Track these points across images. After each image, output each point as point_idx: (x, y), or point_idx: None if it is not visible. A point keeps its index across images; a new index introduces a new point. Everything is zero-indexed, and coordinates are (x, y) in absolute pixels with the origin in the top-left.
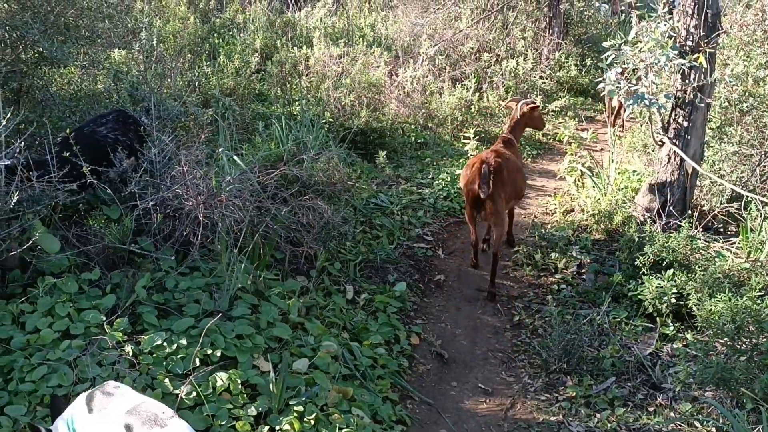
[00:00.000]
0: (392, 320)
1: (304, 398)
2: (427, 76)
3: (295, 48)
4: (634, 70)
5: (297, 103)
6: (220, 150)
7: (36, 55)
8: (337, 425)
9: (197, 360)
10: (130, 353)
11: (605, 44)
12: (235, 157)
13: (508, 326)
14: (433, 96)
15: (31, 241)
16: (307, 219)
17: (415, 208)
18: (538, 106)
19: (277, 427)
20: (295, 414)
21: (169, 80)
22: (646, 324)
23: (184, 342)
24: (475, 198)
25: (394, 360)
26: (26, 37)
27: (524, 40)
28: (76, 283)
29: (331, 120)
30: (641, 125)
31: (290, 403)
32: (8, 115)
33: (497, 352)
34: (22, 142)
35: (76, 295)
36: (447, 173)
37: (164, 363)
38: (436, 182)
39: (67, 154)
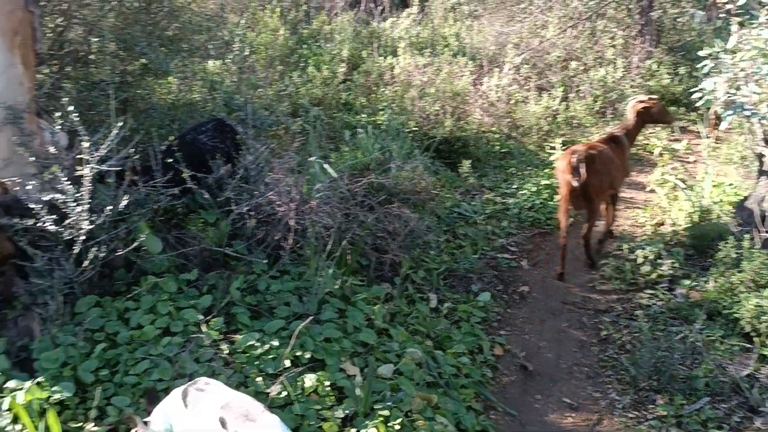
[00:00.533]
0: (476, 330)
1: (389, 403)
2: (512, 85)
3: (381, 58)
4: (733, 79)
5: (382, 112)
6: (311, 158)
7: (141, 66)
8: None
9: (287, 361)
10: (225, 351)
11: (702, 53)
12: (326, 166)
13: (594, 341)
14: (518, 105)
15: (136, 243)
16: (393, 227)
17: (499, 218)
18: (655, 103)
19: (362, 431)
20: (380, 418)
21: (261, 90)
22: (743, 344)
23: (275, 343)
24: (569, 188)
25: (477, 370)
26: (134, 50)
27: (613, 48)
28: (175, 283)
29: (415, 129)
30: (740, 136)
31: (376, 407)
32: (120, 124)
33: (583, 366)
34: (132, 149)
35: (175, 295)
36: (532, 183)
37: (256, 362)
38: (521, 192)
39: (170, 160)
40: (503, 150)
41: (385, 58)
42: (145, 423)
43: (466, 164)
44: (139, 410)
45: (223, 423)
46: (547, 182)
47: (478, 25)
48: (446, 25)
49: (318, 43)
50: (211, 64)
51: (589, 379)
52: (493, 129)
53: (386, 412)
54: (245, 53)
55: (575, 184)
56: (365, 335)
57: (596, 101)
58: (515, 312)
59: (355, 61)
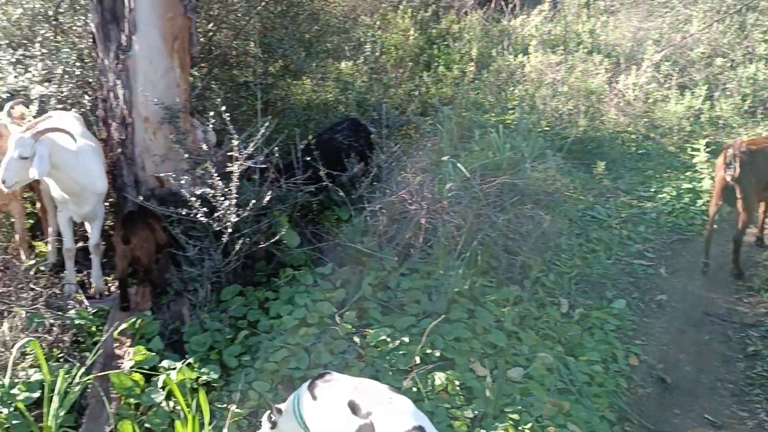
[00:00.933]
0: (609, 338)
1: (519, 407)
2: (650, 84)
3: (511, 56)
4: None
5: (512, 111)
6: (445, 158)
7: (281, 68)
8: None
9: (417, 358)
10: (358, 345)
11: None
12: (459, 165)
13: (740, 356)
14: (657, 104)
15: (277, 236)
16: (525, 228)
17: (635, 222)
18: None
19: None
20: (510, 421)
21: (392, 90)
22: None
23: (406, 339)
24: (723, 183)
25: (611, 379)
26: (275, 52)
27: (766, 44)
28: (311, 276)
29: (547, 128)
30: None
31: (505, 410)
32: (267, 124)
33: (727, 382)
34: (275, 147)
35: (311, 287)
36: (672, 186)
37: (387, 357)
38: (660, 196)
39: (308, 158)
40: (640, 151)
41: (516, 56)
42: (279, 410)
43: (601, 165)
44: (277, 396)
45: (353, 406)
46: (688, 186)
47: (615, 21)
48: (580, 22)
49: (446, 43)
50: (344, 65)
51: (734, 396)
52: (630, 129)
53: (516, 416)
54: (376, 54)
55: (728, 178)
56: (495, 337)
57: (745, 100)
58: (652, 321)
59: (484, 60)
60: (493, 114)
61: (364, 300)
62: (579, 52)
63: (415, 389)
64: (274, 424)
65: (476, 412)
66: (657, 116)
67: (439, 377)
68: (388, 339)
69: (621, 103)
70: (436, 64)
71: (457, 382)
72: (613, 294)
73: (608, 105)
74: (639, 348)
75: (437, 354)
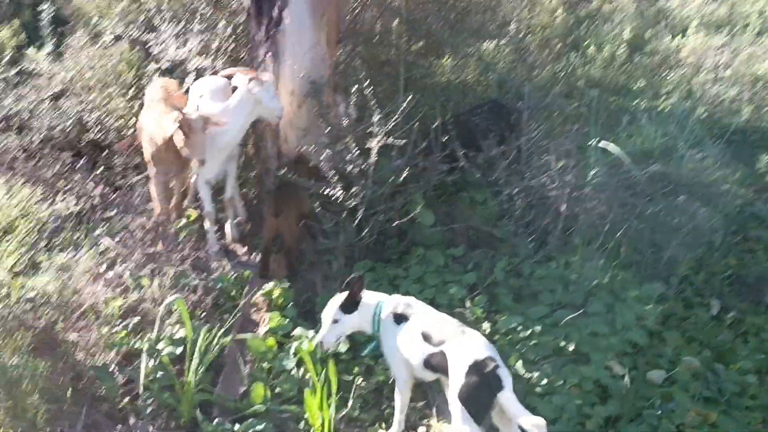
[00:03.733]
0: (766, 347)
1: (658, 412)
2: None
3: (667, 38)
4: None
5: (664, 97)
6: (593, 141)
7: (423, 47)
8: None
9: (550, 349)
10: (487, 331)
11: None
12: (613, 146)
13: None
14: None
15: (411, 215)
16: (675, 221)
17: None
18: None
19: None
20: (648, 426)
21: (536, 71)
22: None
23: (538, 329)
24: None
25: (766, 393)
26: (419, 30)
27: None
28: (443, 257)
29: (704, 116)
30: None
31: (643, 413)
32: (407, 100)
33: None
34: (414, 124)
35: (441, 268)
36: None
37: (518, 346)
38: None
39: (447, 138)
40: None
41: (672, 39)
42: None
43: (765, 158)
44: None
45: (426, 336)
46: None
47: None
48: (748, 2)
49: (596, 23)
50: (485, 45)
51: None
52: None
53: (654, 422)
54: (521, 34)
55: None
56: (635, 335)
57: None
58: None
59: (636, 42)
60: (644, 99)
61: (495, 285)
62: (746, 34)
63: (545, 381)
64: (350, 307)
65: (610, 413)
66: None
67: (572, 372)
68: (519, 327)
69: None
70: (584, 45)
71: (591, 379)
72: None
73: None
74: None
75: (571, 348)
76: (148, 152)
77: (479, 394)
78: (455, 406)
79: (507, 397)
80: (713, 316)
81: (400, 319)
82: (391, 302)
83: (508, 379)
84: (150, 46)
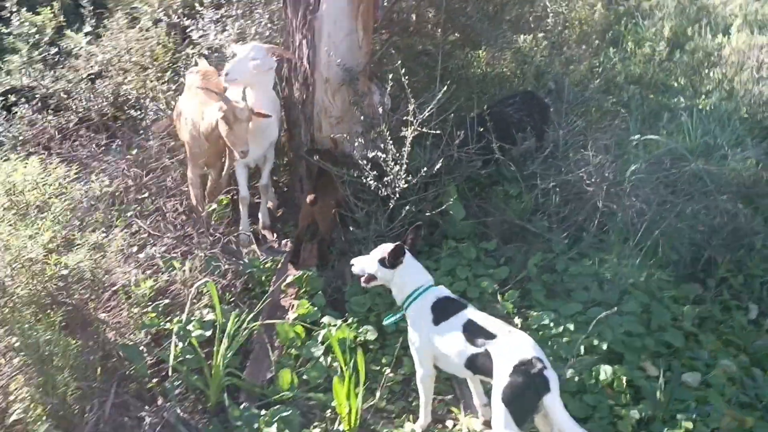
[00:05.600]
0: None
1: (693, 415)
2: None
3: (709, 36)
4: None
5: (704, 96)
6: (635, 137)
7: (460, 38)
8: None
9: (582, 348)
10: (518, 326)
11: None
12: (658, 137)
13: None
14: None
15: (443, 206)
16: (715, 221)
17: None
18: None
19: None
20: (682, 429)
21: (573, 66)
22: None
23: (570, 327)
24: None
25: None
26: (457, 21)
27: None
28: (474, 251)
29: (746, 116)
30: None
31: (677, 416)
32: (443, 90)
33: None
34: (451, 114)
35: (473, 262)
36: None
37: (549, 343)
38: None
39: (481, 129)
40: None
41: (714, 37)
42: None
43: None
44: None
45: (470, 336)
46: None
47: None
48: None
49: (635, 21)
50: (522, 39)
51: None
52: None
53: (689, 424)
54: (559, 28)
55: None
56: (671, 336)
57: None
58: None
59: (677, 40)
60: (683, 97)
61: (527, 280)
62: None
63: (577, 379)
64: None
65: (643, 414)
66: None
67: (605, 371)
68: (552, 324)
69: None
70: (624, 41)
71: (624, 379)
72: None
73: None
74: None
75: (604, 347)
76: (185, 138)
77: (524, 395)
78: (497, 407)
79: (553, 402)
80: (751, 320)
81: (440, 314)
82: (437, 292)
83: (556, 382)
84: (190, 31)
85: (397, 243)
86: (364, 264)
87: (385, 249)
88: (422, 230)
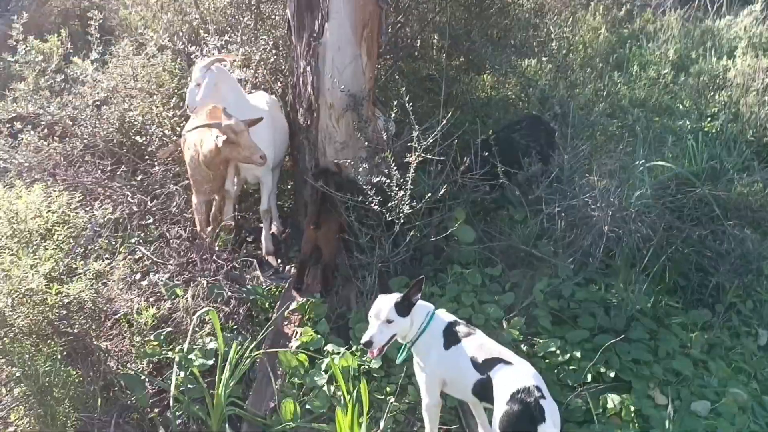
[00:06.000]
0: None
1: None
2: None
3: (714, 59)
4: None
5: (710, 119)
6: (639, 162)
7: (464, 63)
8: None
9: (589, 375)
10: (524, 353)
11: None
12: (663, 163)
13: None
14: None
15: (449, 231)
16: (723, 247)
17: None
18: None
19: None
20: None
21: (578, 90)
22: None
23: (577, 354)
24: None
25: None
26: (461, 46)
27: None
28: (480, 276)
29: (752, 139)
30: None
31: None
32: (448, 116)
33: None
34: (455, 140)
35: (478, 288)
36: None
37: (556, 370)
38: None
39: (486, 154)
40: None
41: (719, 59)
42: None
43: None
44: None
45: (474, 362)
46: None
47: None
48: None
49: (640, 44)
50: (527, 63)
51: None
52: None
53: None
54: (563, 51)
55: None
56: (679, 363)
57: None
58: None
59: (681, 63)
60: (689, 120)
61: (533, 307)
62: None
63: (584, 408)
64: (405, 309)
65: None
66: None
67: (612, 399)
68: (558, 351)
69: None
70: (628, 64)
71: (632, 408)
72: None
73: None
74: None
75: (611, 374)
76: (190, 164)
77: (518, 424)
78: None
79: None
80: (761, 346)
81: (451, 338)
82: (445, 317)
83: (554, 412)
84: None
85: (417, 279)
86: (377, 329)
87: (392, 300)
88: (423, 282)
